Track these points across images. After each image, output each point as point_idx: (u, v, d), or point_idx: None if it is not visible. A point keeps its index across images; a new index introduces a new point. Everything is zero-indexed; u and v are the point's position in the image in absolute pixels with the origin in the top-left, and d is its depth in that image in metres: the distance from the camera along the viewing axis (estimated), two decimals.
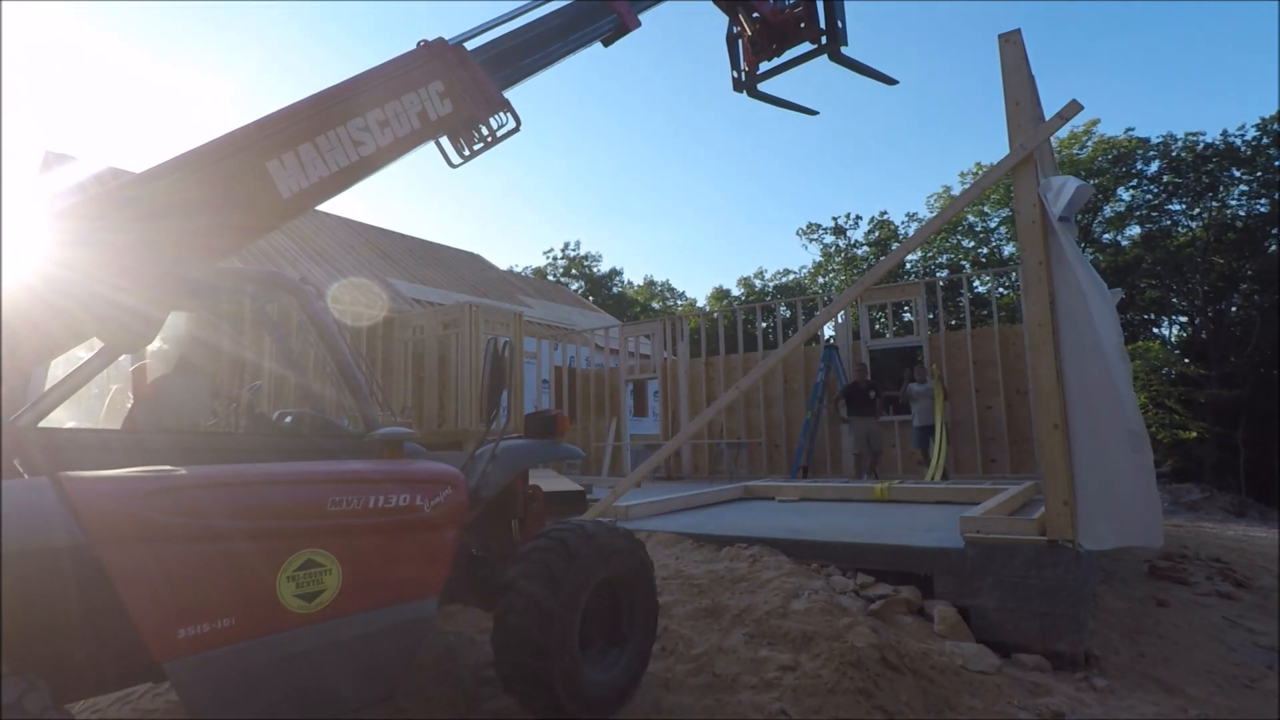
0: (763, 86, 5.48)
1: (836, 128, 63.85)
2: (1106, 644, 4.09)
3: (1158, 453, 19.20)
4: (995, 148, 49.89)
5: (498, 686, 2.90)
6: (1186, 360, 22.22)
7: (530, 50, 3.74)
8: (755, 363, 11.91)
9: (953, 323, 17.23)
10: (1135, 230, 26.07)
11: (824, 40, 5.12)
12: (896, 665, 3.31)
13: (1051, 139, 5.38)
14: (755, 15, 5.15)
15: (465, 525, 2.67)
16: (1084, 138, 25.00)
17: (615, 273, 45.01)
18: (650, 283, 45.60)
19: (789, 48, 5.29)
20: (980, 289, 24.98)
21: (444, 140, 3.37)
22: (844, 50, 5.12)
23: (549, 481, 7.04)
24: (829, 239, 34.26)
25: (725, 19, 5.33)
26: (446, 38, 3.28)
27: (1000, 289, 23.55)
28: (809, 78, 5.58)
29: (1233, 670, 3.93)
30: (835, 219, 34.74)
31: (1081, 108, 4.38)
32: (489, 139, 3.44)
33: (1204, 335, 24.96)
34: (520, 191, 74.96)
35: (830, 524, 5.57)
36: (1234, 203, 24.11)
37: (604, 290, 42.65)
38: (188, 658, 1.85)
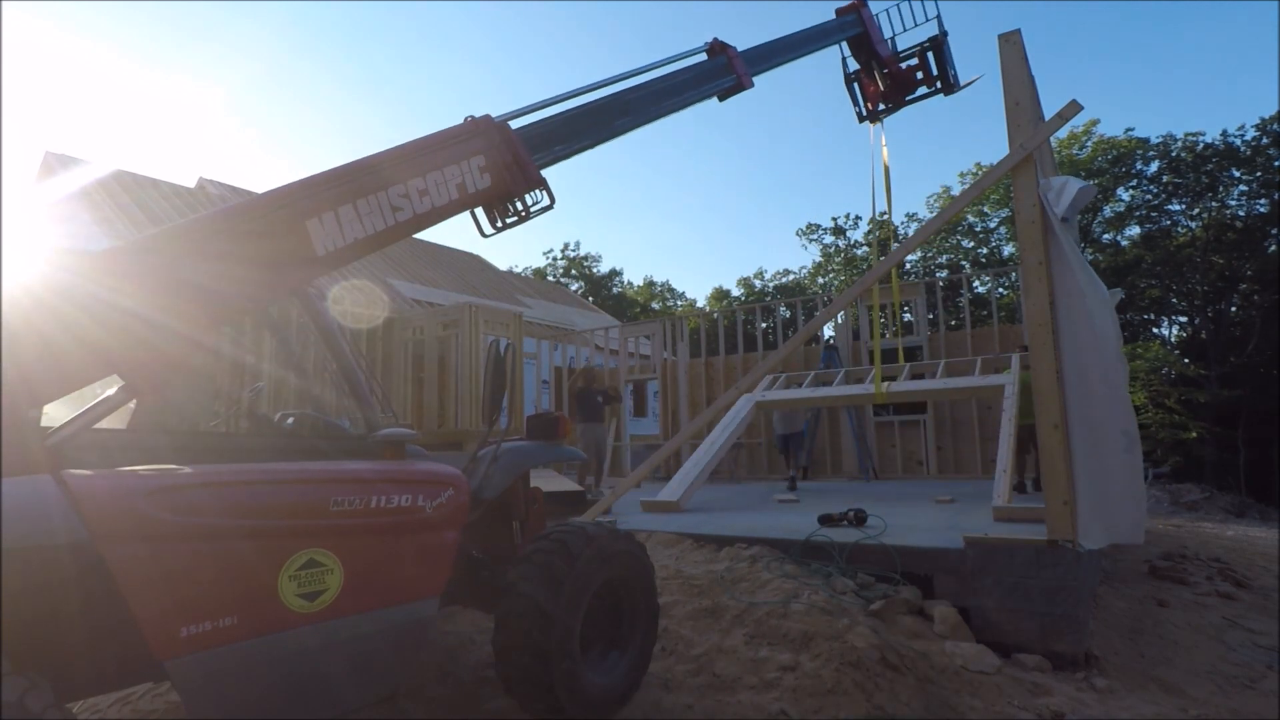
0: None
1: (837, 128, 63.94)
2: (1106, 644, 4.09)
3: (1158, 452, 19.18)
4: (995, 148, 49.91)
5: (498, 686, 2.90)
6: (1186, 360, 22.20)
7: (587, 125, 3.94)
8: (755, 363, 11.91)
9: (953, 323, 17.23)
10: (1135, 230, 26.06)
11: (939, 85, 6.78)
12: (896, 665, 3.31)
13: (1051, 139, 5.39)
14: (885, 71, 6.64)
15: (466, 526, 2.67)
16: (1084, 138, 24.97)
17: (615, 273, 45.00)
18: (650, 283, 45.54)
19: (910, 93, 6.85)
20: (980, 289, 24.99)
21: (478, 211, 3.46)
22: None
23: (549, 482, 7.04)
24: (829, 239, 34.27)
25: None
26: (493, 114, 3.41)
27: (1000, 289, 23.54)
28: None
29: (1233, 670, 3.93)
30: (835, 219, 34.76)
31: (1081, 108, 4.39)
32: (523, 214, 3.54)
33: (1204, 335, 24.93)
34: None
35: None
36: (1234, 203, 24.10)
37: (604, 291, 42.60)
38: (190, 656, 1.85)
